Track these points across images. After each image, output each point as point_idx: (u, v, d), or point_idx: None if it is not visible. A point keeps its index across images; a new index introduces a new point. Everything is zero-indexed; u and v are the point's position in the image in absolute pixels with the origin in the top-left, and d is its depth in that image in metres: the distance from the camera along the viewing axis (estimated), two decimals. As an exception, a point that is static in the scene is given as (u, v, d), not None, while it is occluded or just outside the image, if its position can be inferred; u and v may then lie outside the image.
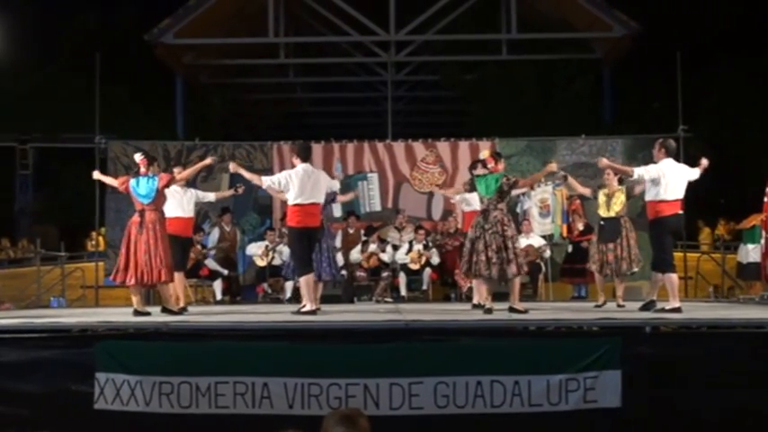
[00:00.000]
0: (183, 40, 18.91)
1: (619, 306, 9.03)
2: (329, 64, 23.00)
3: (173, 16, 18.63)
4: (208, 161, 9.25)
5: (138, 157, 8.26)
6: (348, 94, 24.65)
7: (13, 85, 20.84)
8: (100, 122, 13.70)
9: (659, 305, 8.14)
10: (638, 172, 8.09)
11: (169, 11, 18.75)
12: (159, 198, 8.16)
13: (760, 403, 5.97)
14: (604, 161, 8.63)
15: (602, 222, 9.38)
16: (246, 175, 8.46)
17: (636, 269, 9.40)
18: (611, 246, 9.23)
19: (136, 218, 8.05)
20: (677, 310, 7.66)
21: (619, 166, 9.11)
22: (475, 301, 9.03)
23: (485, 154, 8.44)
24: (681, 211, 8.00)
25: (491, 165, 8.13)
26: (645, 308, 8.28)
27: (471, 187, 8.28)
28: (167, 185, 8.29)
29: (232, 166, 8.61)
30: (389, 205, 13.75)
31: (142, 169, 8.14)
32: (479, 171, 8.53)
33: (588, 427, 6.01)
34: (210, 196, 9.85)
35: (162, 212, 8.27)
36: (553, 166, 8.47)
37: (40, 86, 21.20)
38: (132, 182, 8.14)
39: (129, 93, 20.45)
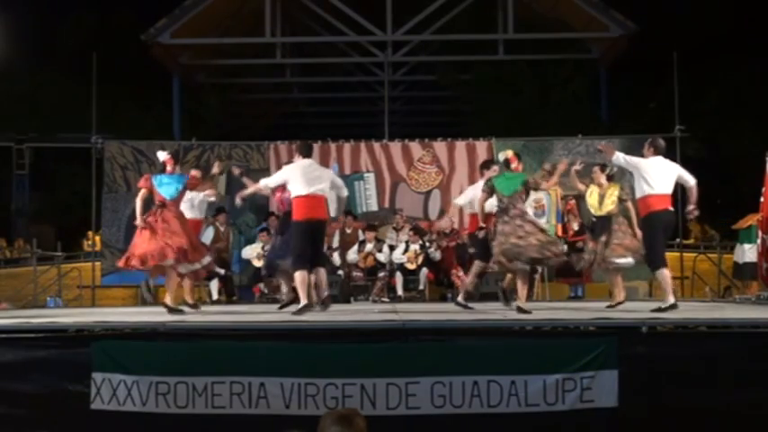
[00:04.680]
0: (179, 40, 18.89)
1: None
2: (326, 64, 22.98)
3: (169, 16, 18.59)
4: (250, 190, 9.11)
5: (163, 155, 8.43)
6: (345, 94, 24.62)
7: (9, 84, 20.80)
8: (96, 122, 13.69)
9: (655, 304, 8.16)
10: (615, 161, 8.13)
11: (166, 11, 18.73)
12: (180, 197, 8.39)
13: (757, 403, 5.98)
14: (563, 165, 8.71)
15: (593, 219, 9.45)
16: (249, 189, 8.82)
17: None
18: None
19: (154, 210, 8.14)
20: (673, 306, 7.66)
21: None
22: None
23: (507, 154, 8.39)
24: (671, 207, 8.00)
25: (514, 164, 8.24)
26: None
27: (491, 190, 8.22)
28: (193, 188, 8.65)
29: (236, 171, 8.89)
30: (386, 205, 13.75)
31: (168, 168, 8.33)
32: (494, 171, 8.57)
33: (585, 426, 6.01)
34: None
35: (181, 211, 8.45)
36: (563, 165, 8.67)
37: (36, 86, 21.18)
38: (155, 179, 8.27)
39: (126, 93, 20.41)
